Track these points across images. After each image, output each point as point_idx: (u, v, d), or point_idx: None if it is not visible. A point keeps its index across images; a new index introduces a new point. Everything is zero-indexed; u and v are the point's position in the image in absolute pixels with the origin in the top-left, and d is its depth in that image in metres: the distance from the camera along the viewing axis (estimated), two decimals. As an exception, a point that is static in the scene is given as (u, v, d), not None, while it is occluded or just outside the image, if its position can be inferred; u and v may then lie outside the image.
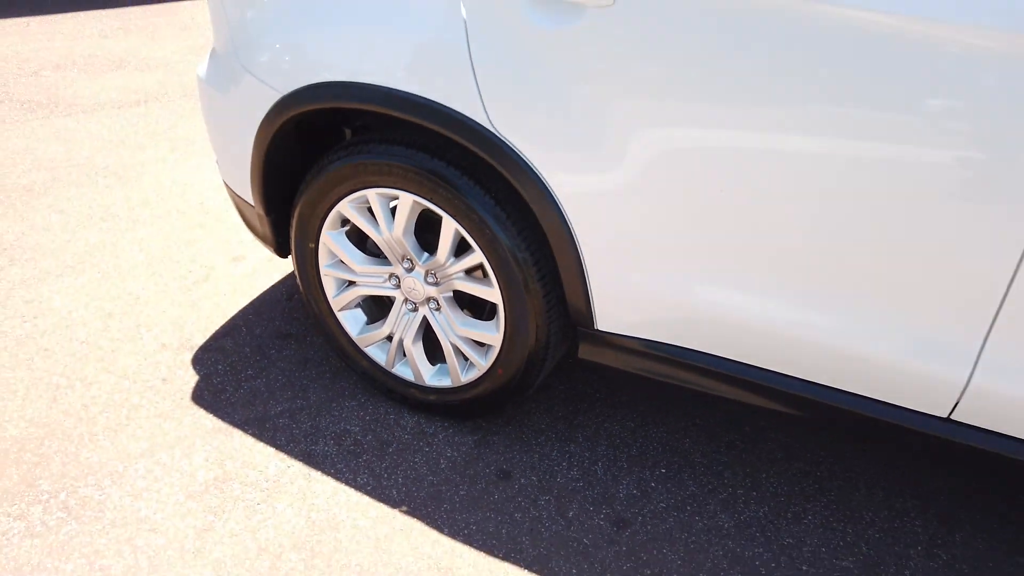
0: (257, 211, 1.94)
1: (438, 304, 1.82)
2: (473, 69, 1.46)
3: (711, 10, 1.24)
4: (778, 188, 1.30)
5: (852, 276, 1.32)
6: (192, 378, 2.09)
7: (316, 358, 2.17)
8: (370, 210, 1.77)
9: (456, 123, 1.50)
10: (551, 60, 1.39)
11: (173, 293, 2.44)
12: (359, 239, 1.88)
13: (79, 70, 4.24)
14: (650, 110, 1.35)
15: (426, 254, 1.77)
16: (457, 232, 1.66)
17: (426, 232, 1.76)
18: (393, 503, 1.73)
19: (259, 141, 1.78)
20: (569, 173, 1.48)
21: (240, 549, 1.62)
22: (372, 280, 1.87)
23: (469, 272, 1.73)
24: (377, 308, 1.98)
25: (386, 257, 1.83)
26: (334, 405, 2.01)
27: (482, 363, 1.80)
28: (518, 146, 1.49)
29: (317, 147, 1.86)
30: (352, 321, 1.97)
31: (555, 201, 1.51)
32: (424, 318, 1.86)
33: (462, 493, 1.76)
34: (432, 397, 1.93)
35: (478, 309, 1.86)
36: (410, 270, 1.80)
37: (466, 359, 1.85)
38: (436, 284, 1.79)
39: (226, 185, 2.06)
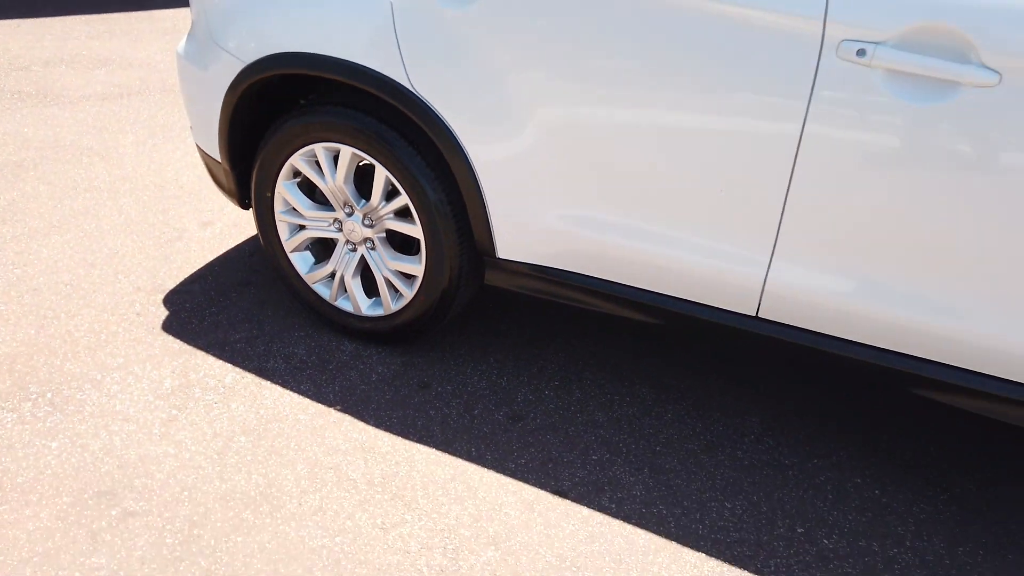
0: (224, 166, 2.30)
1: (373, 244, 2.18)
2: (398, 42, 1.84)
3: (583, 3, 1.63)
4: (626, 144, 1.69)
5: (680, 210, 1.70)
6: (163, 313, 2.43)
7: (272, 300, 2.51)
8: (318, 164, 2.14)
9: (384, 85, 1.88)
10: (454, 35, 1.78)
11: (148, 249, 2.77)
12: (309, 190, 2.24)
13: (66, 66, 4.58)
14: (533, 79, 1.74)
15: (364, 200, 2.14)
16: (388, 179, 2.04)
17: (363, 183, 2.13)
18: (329, 403, 2.08)
19: (226, 104, 2.15)
20: (475, 129, 1.86)
21: (198, 433, 1.96)
22: (319, 224, 2.23)
23: (397, 214, 2.10)
24: (322, 250, 2.33)
25: (331, 205, 2.20)
26: (285, 334, 2.35)
27: (408, 292, 2.16)
28: (435, 105, 1.87)
29: (275, 112, 2.23)
30: (302, 261, 2.32)
31: (464, 153, 1.89)
32: (362, 256, 2.22)
33: (388, 397, 2.11)
34: (368, 325, 2.28)
35: (406, 249, 2.23)
36: (350, 214, 2.17)
37: (396, 290, 2.21)
38: (371, 226, 2.15)
39: (198, 147, 2.42)
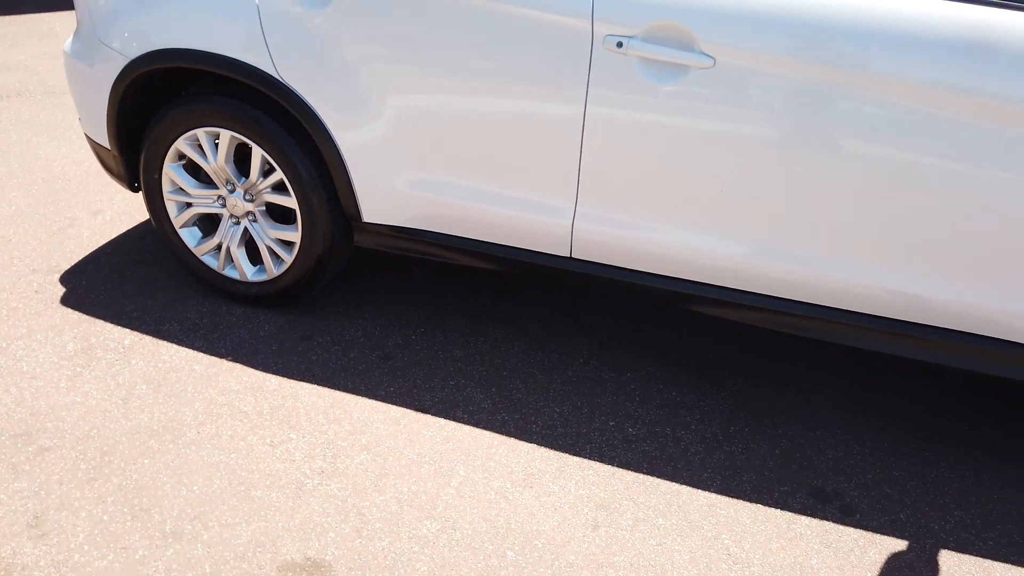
0: (113, 153, 2.55)
1: (255, 216, 2.49)
2: (265, 39, 2.18)
3: (417, 7, 2.01)
4: (457, 122, 2.09)
5: (502, 173, 2.12)
6: (60, 290, 2.66)
7: (164, 275, 2.78)
8: (201, 147, 2.44)
9: (255, 75, 2.21)
10: (312, 33, 2.13)
11: (41, 235, 2.98)
12: (193, 171, 2.53)
13: (-62, 71, 4.60)
14: (380, 71, 2.12)
15: (244, 178, 2.45)
16: (264, 158, 2.36)
17: (242, 162, 2.45)
18: (221, 355, 2.38)
19: (112, 96, 2.42)
20: (336, 112, 2.21)
21: (102, 385, 2.23)
22: (204, 201, 2.53)
23: (275, 188, 2.42)
24: (209, 225, 2.63)
25: (214, 183, 2.50)
26: (178, 303, 2.63)
27: (289, 257, 2.49)
28: (301, 92, 2.21)
29: (158, 102, 2.51)
30: (190, 236, 2.61)
31: (328, 132, 2.24)
32: (245, 228, 2.53)
33: (274, 348, 2.43)
34: (254, 290, 2.59)
35: (284, 219, 2.55)
36: (232, 191, 2.47)
37: (277, 257, 2.53)
38: (252, 200, 2.47)
39: (87, 137, 2.66)
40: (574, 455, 2.07)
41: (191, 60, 2.26)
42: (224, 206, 2.52)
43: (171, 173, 2.50)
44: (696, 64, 1.81)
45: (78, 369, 2.29)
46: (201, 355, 2.38)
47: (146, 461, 1.98)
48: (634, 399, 2.29)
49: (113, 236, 3.02)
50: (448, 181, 2.21)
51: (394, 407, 2.21)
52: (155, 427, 2.09)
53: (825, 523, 1.90)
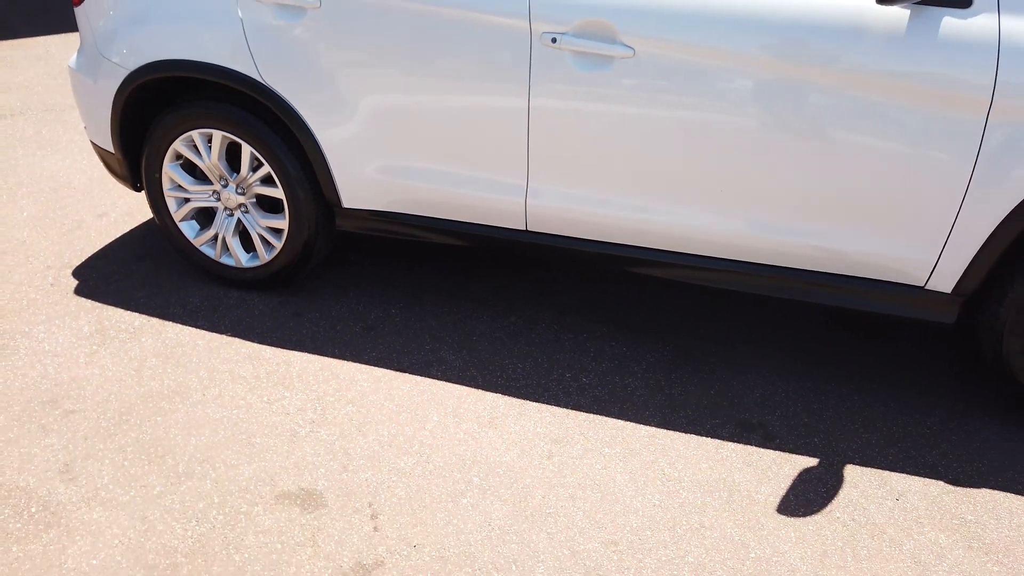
0: (117, 156, 2.85)
1: (246, 208, 2.79)
2: (248, 46, 2.47)
3: (375, 15, 2.31)
4: (422, 116, 2.38)
5: (462, 158, 2.41)
6: (73, 283, 2.94)
7: (167, 267, 3.06)
8: (196, 147, 2.73)
9: (241, 80, 2.51)
10: (290, 42, 2.43)
11: (52, 237, 3.26)
12: (190, 169, 2.83)
13: (-56, 94, 4.89)
14: (353, 73, 2.41)
15: (235, 173, 2.75)
16: (252, 155, 2.65)
17: (233, 160, 2.74)
18: (221, 331, 2.67)
19: (115, 105, 2.71)
20: (315, 111, 2.51)
21: (117, 360, 2.51)
22: (201, 196, 2.82)
23: (263, 181, 2.72)
24: (205, 217, 2.92)
25: (209, 179, 2.79)
26: (180, 291, 2.92)
27: (278, 243, 2.78)
28: (282, 93, 2.51)
29: (156, 108, 2.80)
30: (189, 229, 2.90)
31: (309, 129, 2.54)
32: (238, 219, 2.82)
33: (268, 325, 2.72)
34: (249, 275, 2.88)
35: (273, 209, 2.84)
36: (225, 186, 2.77)
37: (268, 244, 2.82)
38: (243, 193, 2.76)
39: (93, 143, 2.95)
40: (533, 401, 2.36)
41: (184, 69, 2.55)
42: (219, 200, 2.81)
43: (170, 172, 2.79)
44: (619, 55, 2.11)
45: (94, 347, 2.57)
46: (203, 332, 2.67)
47: (159, 418, 2.26)
48: (589, 355, 2.58)
49: (118, 235, 3.31)
50: (416, 167, 2.50)
51: (376, 368, 2.50)
52: (165, 391, 2.38)
53: (748, 447, 2.20)
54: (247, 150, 2.65)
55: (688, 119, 2.13)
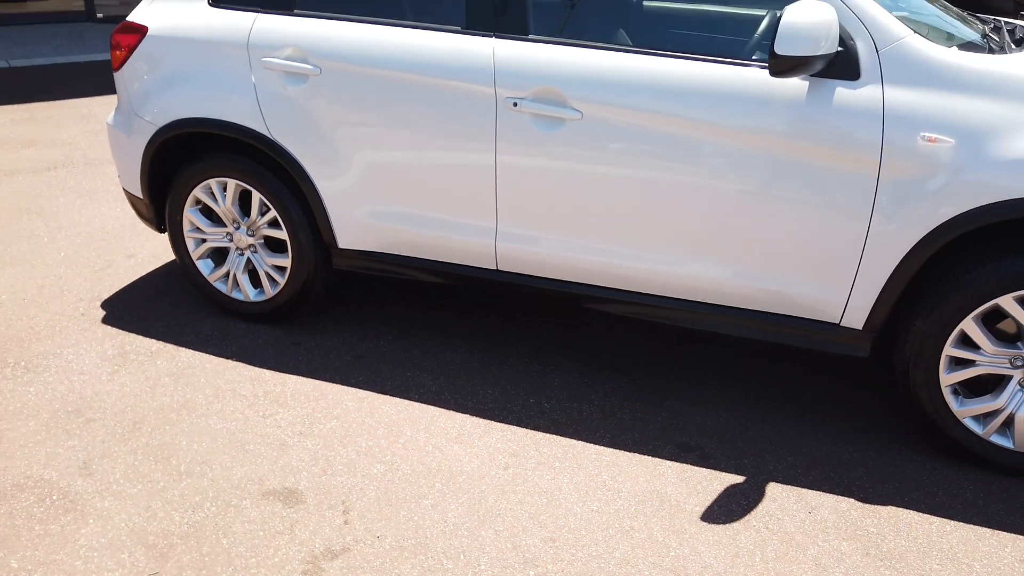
0: (145, 201, 3.24)
1: (255, 248, 3.15)
2: (260, 108, 2.87)
3: (366, 82, 2.70)
4: (407, 168, 2.74)
5: (439, 205, 2.75)
6: (101, 313, 3.31)
7: (184, 302, 3.42)
8: (213, 194, 3.11)
9: (253, 136, 2.89)
10: (297, 103, 2.82)
11: (85, 274, 3.65)
12: (207, 213, 3.20)
13: (-2, 147, 5.40)
14: (348, 132, 2.79)
15: (246, 217, 3.12)
16: (262, 201, 3.03)
17: (244, 205, 3.12)
18: (227, 356, 3.00)
19: (145, 156, 3.11)
20: (317, 163, 2.88)
21: (134, 378, 2.85)
22: (216, 237, 3.19)
23: (270, 224, 3.08)
24: (219, 256, 3.28)
25: (224, 222, 3.16)
26: (194, 321, 3.26)
27: (282, 279, 3.13)
28: (288, 148, 2.89)
29: (181, 160, 3.20)
30: (205, 266, 3.26)
31: (311, 179, 2.91)
32: (248, 258, 3.18)
33: (270, 352, 3.05)
34: (255, 308, 3.23)
35: (278, 249, 3.20)
36: (237, 228, 3.14)
37: (273, 280, 3.17)
38: (253, 235, 3.13)
39: (125, 190, 3.35)
40: (497, 422, 2.64)
41: (205, 126, 2.95)
42: (231, 240, 3.18)
43: (190, 216, 3.17)
44: (569, 117, 2.46)
45: (116, 367, 2.91)
46: (212, 357, 3.00)
47: (167, 427, 2.58)
48: (553, 384, 2.87)
49: (143, 274, 3.69)
50: (401, 212, 2.85)
51: (361, 391, 2.80)
52: (174, 405, 2.70)
53: (684, 465, 2.45)
54: (257, 197, 3.02)
55: (627, 172, 2.47)
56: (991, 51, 2.39)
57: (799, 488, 2.36)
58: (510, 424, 2.64)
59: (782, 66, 2.12)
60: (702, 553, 2.11)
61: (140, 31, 3.05)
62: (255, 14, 2.88)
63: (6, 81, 7.14)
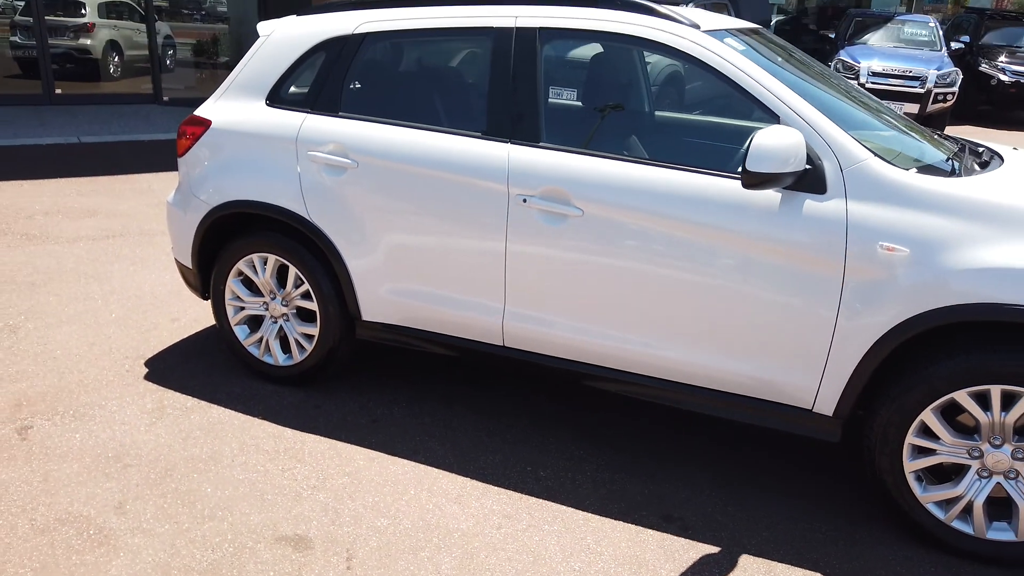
0: (193, 271, 3.60)
1: (288, 317, 3.47)
2: (302, 193, 3.24)
3: (397, 176, 3.06)
4: (427, 251, 3.07)
5: (454, 286, 3.06)
6: (144, 370, 3.63)
7: (220, 363, 3.74)
8: (254, 267, 3.46)
9: (292, 216, 3.26)
10: (333, 191, 3.19)
11: (132, 335, 4.00)
12: (247, 284, 3.55)
13: (62, 216, 5.90)
14: (377, 218, 3.14)
15: (282, 289, 3.46)
16: (297, 275, 3.37)
17: (280, 279, 3.46)
18: (253, 415, 3.28)
19: (198, 231, 3.49)
20: (348, 244, 3.23)
21: (169, 431, 3.13)
22: (254, 306, 3.53)
23: (303, 296, 3.41)
24: (254, 323, 3.61)
25: (261, 292, 3.50)
26: (228, 380, 3.57)
27: (309, 346, 3.44)
28: (324, 230, 3.25)
29: (228, 236, 3.57)
30: (241, 332, 3.59)
31: (342, 258, 3.25)
32: (280, 326, 3.50)
33: (292, 412, 3.32)
34: (283, 372, 3.53)
35: (307, 318, 3.51)
36: (273, 298, 3.47)
37: (302, 347, 3.48)
38: (287, 305, 3.46)
39: (176, 261, 3.72)
40: (495, 486, 2.86)
41: (253, 207, 3.33)
42: (267, 309, 3.51)
43: (232, 285, 3.52)
44: (572, 214, 2.78)
45: (153, 420, 3.21)
46: (240, 414, 3.28)
47: (195, 475, 2.84)
48: (550, 455, 3.09)
49: (185, 336, 4.02)
50: (419, 290, 3.16)
51: (372, 451, 3.05)
52: (203, 456, 2.97)
53: (665, 534, 2.64)
54: (293, 271, 3.36)
55: (619, 263, 2.76)
56: (953, 172, 2.68)
57: (770, 561, 2.53)
58: (507, 488, 2.85)
59: (752, 180, 2.42)
60: (672, 615, 2.28)
61: (205, 124, 3.48)
62: (305, 114, 3.29)
63: (76, 155, 7.76)
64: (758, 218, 2.55)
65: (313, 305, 3.37)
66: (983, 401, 2.42)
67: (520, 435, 3.22)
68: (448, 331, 3.18)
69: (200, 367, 3.68)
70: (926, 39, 12.66)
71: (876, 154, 2.54)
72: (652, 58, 3.97)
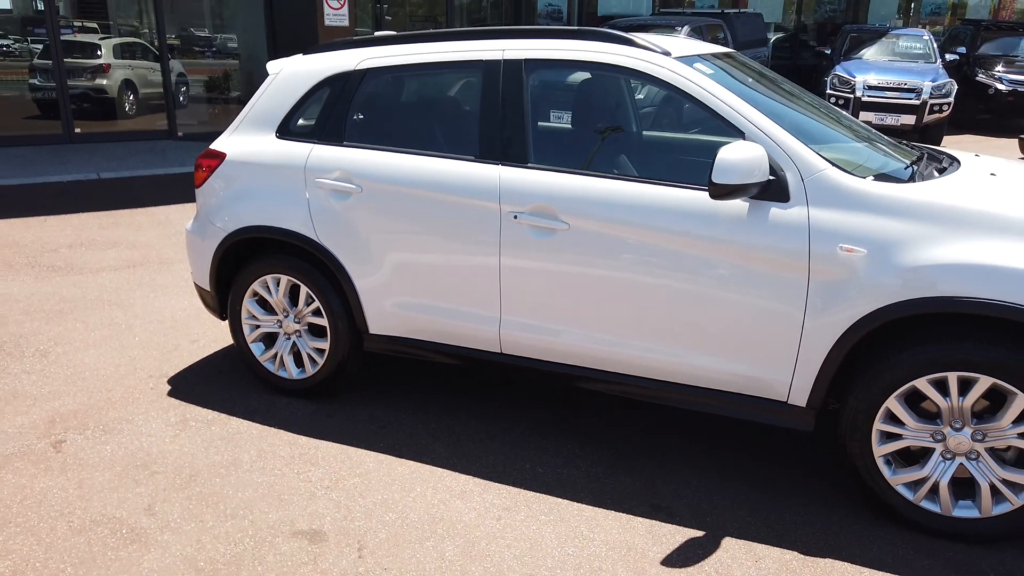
0: (211, 293, 3.85)
1: (300, 333, 3.71)
2: (311, 217, 3.49)
3: (398, 199, 3.31)
4: (429, 267, 3.31)
5: (454, 297, 3.29)
6: (166, 387, 3.87)
7: (238, 380, 3.97)
8: (268, 288, 3.71)
9: (303, 239, 3.51)
10: (341, 215, 3.44)
11: (155, 356, 4.25)
12: (261, 303, 3.80)
13: (85, 248, 6.20)
14: (382, 239, 3.38)
15: (294, 307, 3.70)
16: (308, 294, 3.61)
17: (292, 298, 3.71)
18: (270, 424, 3.51)
19: (215, 256, 3.75)
20: (355, 263, 3.47)
21: (192, 441, 3.36)
22: (268, 324, 3.77)
23: (313, 313, 3.65)
24: (269, 340, 3.85)
25: (275, 311, 3.75)
26: (245, 396, 3.80)
27: (320, 360, 3.67)
28: (333, 251, 3.49)
29: (243, 259, 3.82)
30: (257, 348, 3.83)
31: (350, 277, 3.49)
32: (293, 342, 3.74)
33: (306, 421, 3.55)
34: (297, 385, 3.76)
35: (318, 333, 3.75)
36: (286, 316, 3.71)
37: (314, 361, 3.71)
38: (299, 322, 3.70)
39: (195, 284, 3.98)
40: (495, 482, 3.07)
41: (266, 232, 3.58)
42: (280, 327, 3.75)
43: (248, 306, 3.77)
44: (559, 228, 3.01)
45: (177, 431, 3.44)
46: (257, 424, 3.51)
47: (217, 480, 3.07)
48: (547, 453, 3.29)
49: (204, 355, 4.27)
50: (422, 303, 3.39)
51: (381, 454, 3.27)
52: (224, 462, 3.19)
53: (653, 521, 2.83)
54: (304, 290, 3.61)
55: (604, 272, 2.98)
56: (911, 179, 2.89)
57: (751, 543, 2.71)
58: (506, 484, 3.06)
59: (719, 191, 2.65)
60: (657, 592, 2.47)
61: (220, 156, 3.75)
62: (312, 144, 3.55)
63: (96, 191, 8.10)
64: (728, 226, 2.78)
65: (323, 321, 3.60)
66: (942, 388, 2.62)
67: (519, 438, 3.43)
68: (449, 341, 3.41)
69: (219, 383, 3.92)
70: (921, 52, 12.90)
71: (835, 164, 2.76)
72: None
